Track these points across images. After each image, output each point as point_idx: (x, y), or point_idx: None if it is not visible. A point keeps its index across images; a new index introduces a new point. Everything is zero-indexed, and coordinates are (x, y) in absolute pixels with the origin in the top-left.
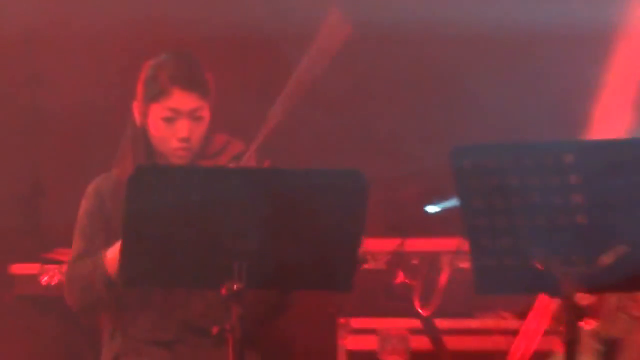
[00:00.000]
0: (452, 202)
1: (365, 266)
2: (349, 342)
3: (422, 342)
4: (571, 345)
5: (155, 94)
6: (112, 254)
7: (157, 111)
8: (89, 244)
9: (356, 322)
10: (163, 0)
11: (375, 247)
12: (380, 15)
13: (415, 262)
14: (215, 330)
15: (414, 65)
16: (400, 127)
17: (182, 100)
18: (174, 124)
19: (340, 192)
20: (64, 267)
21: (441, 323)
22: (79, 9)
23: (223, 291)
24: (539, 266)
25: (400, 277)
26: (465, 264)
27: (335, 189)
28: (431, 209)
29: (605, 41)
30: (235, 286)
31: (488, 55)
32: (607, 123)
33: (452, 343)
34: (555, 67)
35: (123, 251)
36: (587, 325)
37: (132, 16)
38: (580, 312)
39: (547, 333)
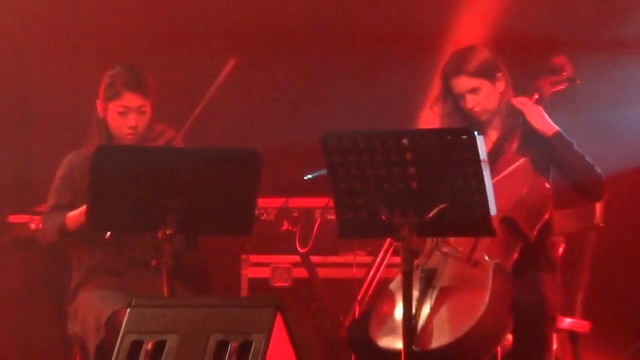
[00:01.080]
0: (322, 171)
1: (260, 218)
2: (249, 272)
3: (301, 272)
4: (407, 275)
5: (112, 95)
6: (72, 214)
7: (114, 107)
8: (58, 199)
9: (254, 258)
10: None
11: (267, 204)
12: None
13: (296, 214)
14: (153, 263)
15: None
16: (287, 118)
17: (130, 99)
18: (125, 116)
19: (242, 165)
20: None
21: (315, 259)
22: (62, 23)
23: (159, 235)
24: (384, 218)
25: (285, 226)
26: (332, 216)
27: (239, 162)
28: (307, 176)
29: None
30: (167, 231)
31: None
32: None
33: (323, 273)
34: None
35: (89, 206)
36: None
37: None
38: (413, 252)
39: (389, 266)
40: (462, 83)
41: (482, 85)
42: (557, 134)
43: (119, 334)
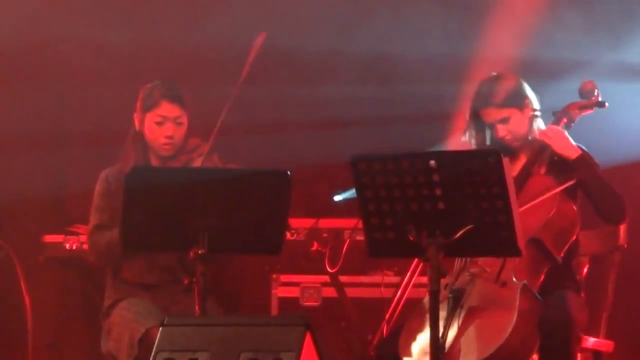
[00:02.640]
0: (352, 193)
1: (291, 237)
2: (280, 292)
3: (330, 292)
4: (434, 295)
5: (150, 106)
6: None
7: (151, 118)
8: (101, 216)
9: (284, 278)
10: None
11: (298, 224)
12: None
13: (325, 235)
14: (186, 282)
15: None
16: (317, 140)
17: (168, 109)
18: (162, 126)
19: (273, 186)
20: (83, 237)
21: (344, 278)
22: (96, 46)
23: (191, 254)
24: (412, 238)
25: (315, 246)
26: (361, 237)
27: (270, 184)
28: (337, 197)
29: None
30: (200, 251)
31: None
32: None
33: (352, 293)
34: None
35: (122, 226)
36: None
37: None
38: (440, 272)
39: (417, 286)
40: (492, 114)
41: (512, 114)
42: (580, 157)
43: (151, 352)
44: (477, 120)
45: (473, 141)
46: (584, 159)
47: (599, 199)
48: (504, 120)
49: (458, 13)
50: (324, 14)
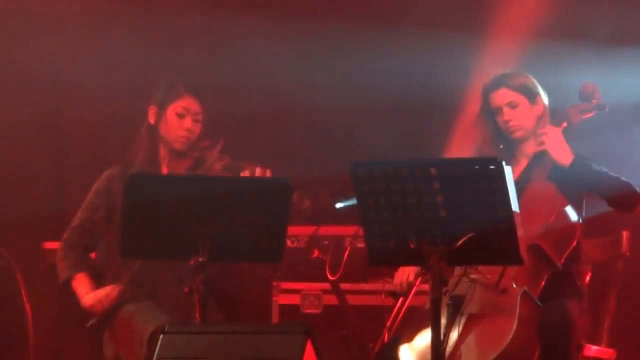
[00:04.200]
0: (352, 201)
1: (291, 245)
2: (280, 299)
3: (331, 299)
4: (435, 303)
5: (173, 97)
6: (78, 285)
7: (173, 109)
8: (89, 215)
9: (285, 285)
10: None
11: (298, 232)
12: None
13: (326, 242)
14: (186, 290)
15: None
16: (318, 147)
17: (190, 102)
18: (183, 118)
19: (274, 193)
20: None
21: (345, 286)
22: (96, 58)
23: (191, 262)
24: (413, 246)
25: (316, 253)
26: (361, 245)
27: (270, 191)
28: (338, 205)
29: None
30: (200, 259)
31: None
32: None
33: (352, 300)
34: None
35: (122, 233)
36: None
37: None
38: (441, 280)
39: (418, 293)
40: (502, 95)
41: (521, 102)
42: (573, 163)
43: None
44: (487, 108)
45: (479, 132)
46: (578, 162)
47: (607, 191)
48: (513, 105)
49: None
50: None
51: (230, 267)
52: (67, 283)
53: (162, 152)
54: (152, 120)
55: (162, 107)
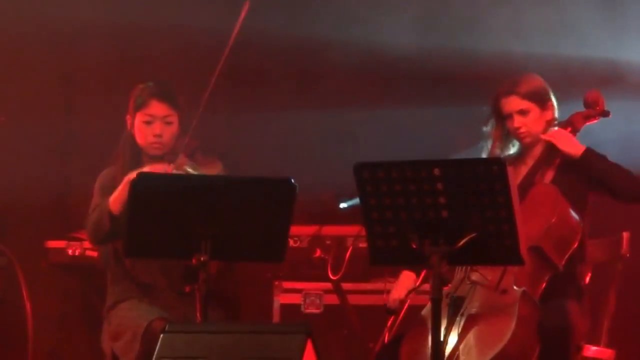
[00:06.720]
0: (355, 201)
1: (293, 244)
2: (282, 298)
3: (333, 299)
4: (436, 303)
5: (139, 105)
6: (113, 196)
7: (140, 117)
8: (101, 200)
9: (287, 284)
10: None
11: (301, 232)
12: None
13: (328, 242)
14: (188, 289)
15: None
16: (321, 147)
17: (157, 108)
18: (150, 125)
19: (277, 193)
20: (86, 243)
21: (346, 286)
22: (103, 55)
23: (193, 261)
24: (415, 246)
25: (318, 253)
26: (363, 244)
27: (273, 191)
28: (343, 204)
29: None
30: (202, 258)
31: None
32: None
33: (354, 300)
34: None
35: (126, 233)
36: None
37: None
38: (442, 280)
39: (419, 293)
40: (512, 103)
41: (532, 109)
42: (586, 152)
43: (156, 343)
44: (497, 113)
45: (491, 133)
46: (591, 152)
47: (620, 183)
48: (523, 112)
49: None
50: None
51: (232, 266)
52: (110, 214)
53: (144, 158)
54: (128, 126)
55: (132, 116)
